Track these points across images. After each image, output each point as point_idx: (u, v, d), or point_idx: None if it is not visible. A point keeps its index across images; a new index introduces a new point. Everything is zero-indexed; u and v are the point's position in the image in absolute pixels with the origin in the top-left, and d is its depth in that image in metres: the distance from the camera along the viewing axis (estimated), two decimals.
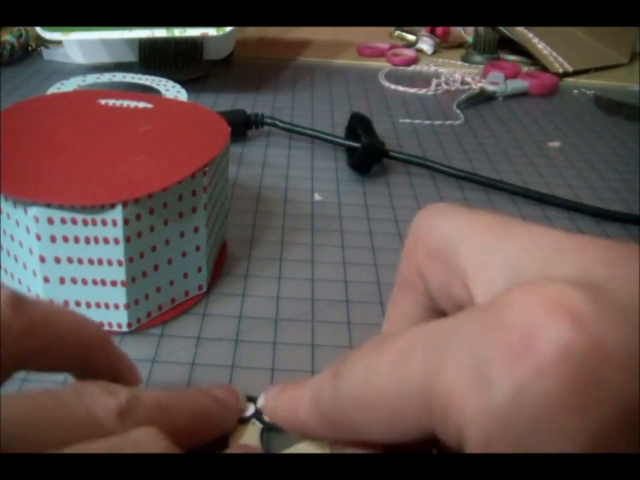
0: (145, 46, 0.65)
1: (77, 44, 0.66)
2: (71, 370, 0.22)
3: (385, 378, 0.17)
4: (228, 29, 0.57)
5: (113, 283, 0.29)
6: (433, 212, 0.20)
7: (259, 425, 0.25)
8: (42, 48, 0.70)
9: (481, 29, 0.80)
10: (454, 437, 0.15)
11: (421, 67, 0.77)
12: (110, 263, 0.29)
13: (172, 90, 0.50)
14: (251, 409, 0.26)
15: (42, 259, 0.28)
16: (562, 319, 0.14)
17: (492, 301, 0.15)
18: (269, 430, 0.25)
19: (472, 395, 0.14)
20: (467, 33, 0.84)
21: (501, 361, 0.14)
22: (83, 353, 0.21)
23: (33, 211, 0.27)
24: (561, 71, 0.75)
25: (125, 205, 0.27)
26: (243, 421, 0.26)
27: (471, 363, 0.15)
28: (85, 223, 0.27)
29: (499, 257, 0.16)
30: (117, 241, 0.28)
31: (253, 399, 0.26)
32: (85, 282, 0.29)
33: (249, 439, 0.25)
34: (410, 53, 0.79)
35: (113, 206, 0.27)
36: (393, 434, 0.17)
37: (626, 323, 0.14)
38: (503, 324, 0.14)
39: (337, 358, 0.19)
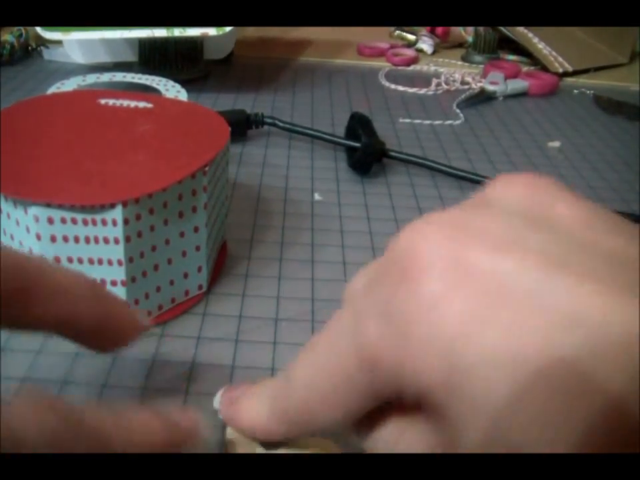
0: (145, 46, 0.65)
1: (77, 44, 0.66)
2: (55, 325, 0.21)
3: (322, 355, 0.18)
4: (228, 28, 0.57)
5: (113, 283, 0.29)
6: None
7: None
8: (42, 48, 0.70)
9: (481, 28, 0.80)
10: (390, 383, 0.16)
11: (421, 67, 0.77)
12: (110, 262, 0.29)
13: (172, 90, 0.50)
14: None
15: None
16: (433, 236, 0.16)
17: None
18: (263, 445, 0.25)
19: (386, 335, 0.16)
20: (467, 33, 0.84)
21: (389, 282, 0.16)
22: (68, 298, 0.20)
23: (33, 210, 0.27)
24: (560, 70, 0.75)
25: (124, 204, 0.27)
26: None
27: (379, 311, 0.16)
28: (84, 222, 0.27)
29: None
30: (116, 241, 0.28)
31: None
32: None
33: (247, 446, 0.25)
34: (410, 52, 0.79)
35: (112, 206, 0.27)
36: (345, 408, 0.18)
37: None
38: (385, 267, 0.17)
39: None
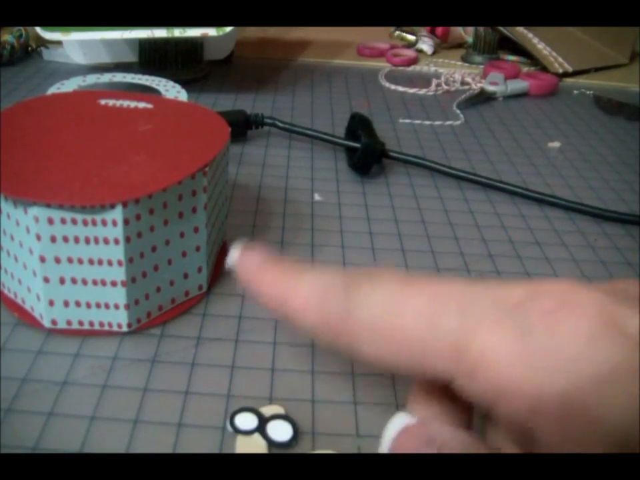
0: (145, 46, 0.65)
1: (77, 44, 0.66)
2: None
3: (414, 319, 0.18)
4: (228, 28, 0.57)
5: (113, 283, 0.29)
6: None
7: (263, 440, 0.25)
8: (42, 48, 0.69)
9: (481, 28, 0.80)
10: (483, 391, 0.17)
11: (421, 67, 0.77)
12: (110, 263, 0.29)
13: (172, 90, 0.50)
14: (253, 422, 0.26)
15: (42, 259, 0.28)
16: (588, 290, 0.17)
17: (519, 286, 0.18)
18: (274, 446, 0.25)
19: (512, 350, 0.16)
20: (466, 33, 0.84)
21: (539, 314, 0.17)
22: None
23: (33, 211, 0.27)
24: (560, 71, 0.75)
25: (124, 204, 0.27)
26: (247, 433, 0.25)
27: (509, 323, 0.17)
28: (84, 223, 0.27)
29: None
30: (116, 241, 0.28)
31: (252, 410, 0.26)
32: (84, 282, 0.29)
33: (255, 450, 0.25)
34: (410, 53, 0.79)
35: (112, 206, 0.27)
36: (401, 364, 0.19)
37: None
38: (537, 293, 0.17)
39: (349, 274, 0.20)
